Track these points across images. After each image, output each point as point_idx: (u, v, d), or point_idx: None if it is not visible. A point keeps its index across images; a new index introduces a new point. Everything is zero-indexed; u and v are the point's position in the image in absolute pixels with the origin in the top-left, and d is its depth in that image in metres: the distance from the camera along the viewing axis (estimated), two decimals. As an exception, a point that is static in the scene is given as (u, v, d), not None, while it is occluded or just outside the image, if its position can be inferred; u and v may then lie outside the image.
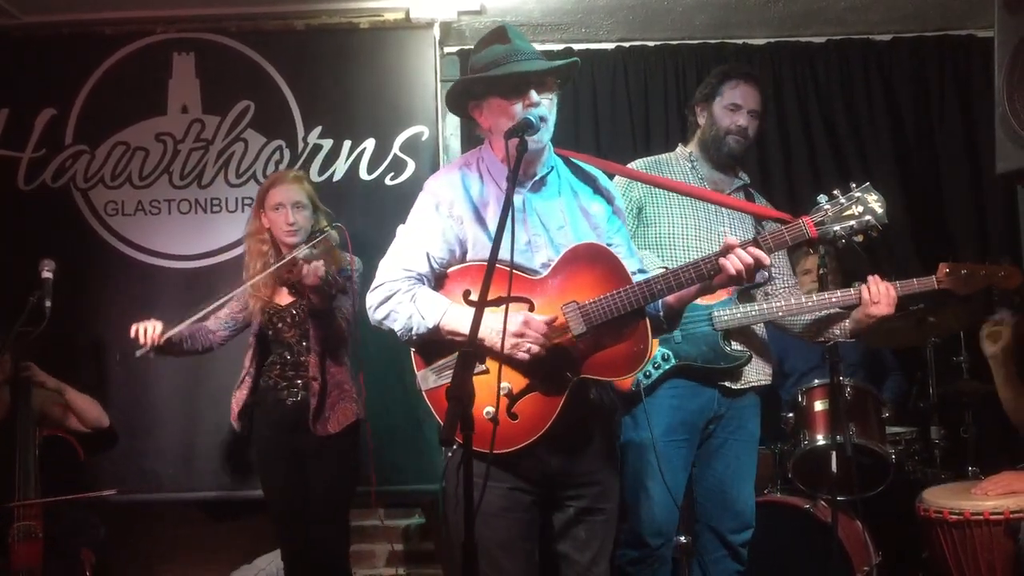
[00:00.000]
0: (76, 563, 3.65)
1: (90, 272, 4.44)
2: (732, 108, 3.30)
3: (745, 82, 3.34)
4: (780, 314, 3.21)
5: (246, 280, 3.67)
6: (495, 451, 2.20)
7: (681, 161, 3.39)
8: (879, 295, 3.03)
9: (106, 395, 4.22)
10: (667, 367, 3.13)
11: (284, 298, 3.67)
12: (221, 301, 3.67)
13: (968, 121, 4.99)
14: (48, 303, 3.65)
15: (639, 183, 3.26)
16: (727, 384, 3.22)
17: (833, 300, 3.16)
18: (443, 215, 2.53)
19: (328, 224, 3.66)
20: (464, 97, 2.60)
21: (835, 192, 2.52)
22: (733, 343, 3.19)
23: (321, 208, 3.76)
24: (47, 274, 3.68)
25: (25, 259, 3.88)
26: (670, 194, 3.26)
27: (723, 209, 3.30)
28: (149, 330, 3.45)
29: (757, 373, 3.28)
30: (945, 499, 3.47)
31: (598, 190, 2.71)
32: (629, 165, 3.35)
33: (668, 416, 3.12)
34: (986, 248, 4.96)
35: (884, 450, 3.91)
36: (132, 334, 3.45)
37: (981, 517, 3.31)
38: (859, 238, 2.52)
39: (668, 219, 3.24)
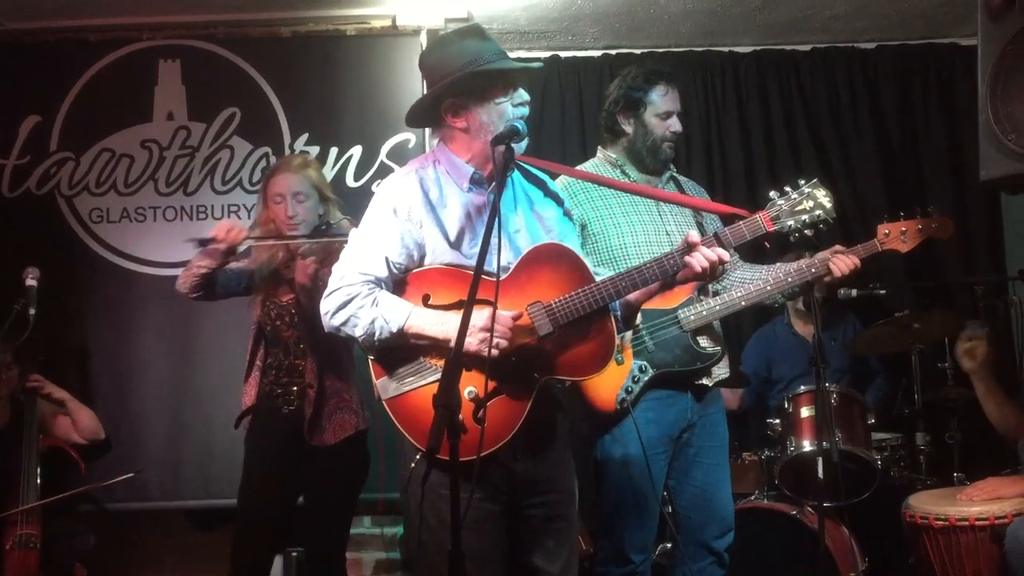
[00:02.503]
0: None
1: (75, 280, 4.42)
2: (665, 116, 3.25)
3: (672, 87, 3.29)
4: (743, 304, 3.18)
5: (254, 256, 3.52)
6: (463, 459, 2.10)
7: (608, 168, 3.30)
8: (848, 268, 3.08)
9: (91, 403, 4.18)
10: (646, 379, 3.09)
11: (286, 294, 3.48)
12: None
13: (952, 128, 5.03)
14: (33, 311, 3.61)
15: (580, 200, 3.17)
16: (704, 382, 3.20)
17: (790, 280, 3.15)
18: (401, 219, 2.48)
19: (338, 217, 3.48)
20: (445, 94, 2.52)
21: (786, 188, 2.60)
22: (701, 340, 3.16)
23: (331, 197, 3.56)
24: (31, 282, 3.66)
25: (9, 267, 3.85)
26: (611, 206, 3.18)
27: (664, 208, 3.24)
28: (235, 229, 3.35)
29: (720, 367, 3.25)
30: (931, 505, 3.48)
31: (548, 193, 2.71)
32: (558, 180, 3.17)
33: (645, 430, 3.05)
34: (970, 253, 4.99)
35: (870, 456, 3.92)
36: (215, 231, 3.33)
37: (967, 523, 3.33)
38: (810, 232, 2.59)
39: (616, 231, 3.16)
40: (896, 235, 3.12)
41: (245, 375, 3.54)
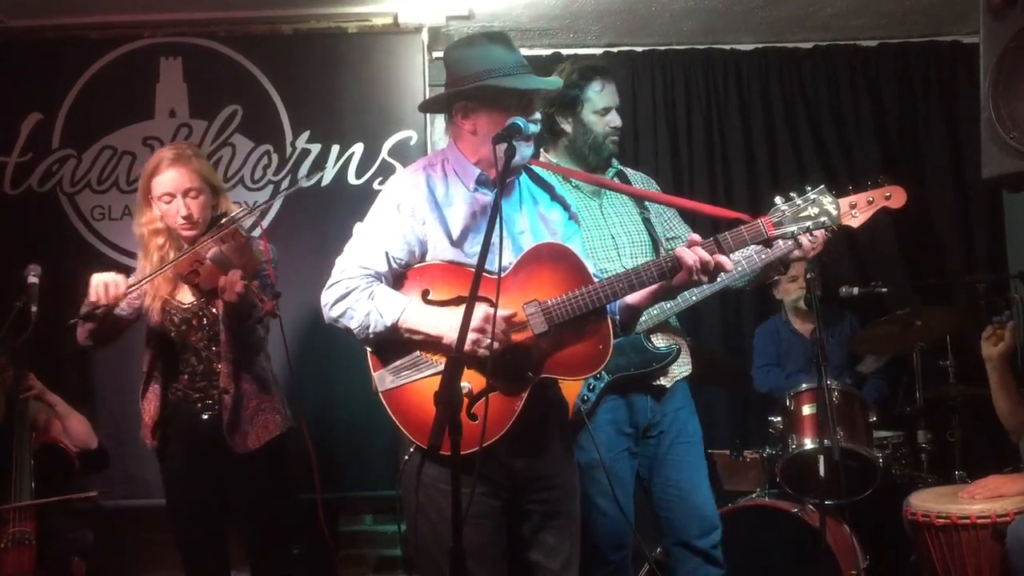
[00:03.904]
0: (67, 572, 3.61)
1: (77, 277, 4.39)
2: (603, 112, 3.20)
3: (608, 81, 3.24)
4: (694, 299, 3.15)
5: (145, 274, 3.19)
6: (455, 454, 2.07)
7: (551, 173, 3.18)
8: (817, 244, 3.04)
9: (92, 401, 4.20)
10: (602, 385, 3.07)
11: (188, 295, 3.20)
12: (142, 281, 3.15)
13: (953, 126, 5.03)
14: (34, 308, 3.59)
15: None
16: (661, 383, 3.17)
17: (739, 269, 3.10)
18: (405, 216, 2.49)
19: (233, 210, 3.23)
20: (458, 96, 2.54)
21: (791, 194, 2.55)
22: (654, 340, 3.14)
23: (221, 187, 3.31)
24: (33, 279, 3.63)
25: (11, 264, 3.85)
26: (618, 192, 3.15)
27: (608, 210, 3.22)
28: (111, 287, 3.00)
29: (680, 366, 3.23)
30: (932, 503, 3.48)
31: (555, 197, 2.72)
32: None
33: (606, 432, 3.06)
34: (971, 251, 4.99)
35: (871, 454, 3.92)
36: (94, 294, 3.01)
37: (968, 521, 3.33)
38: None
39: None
40: (846, 210, 2.84)
41: (141, 390, 3.29)
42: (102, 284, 3.03)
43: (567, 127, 3.23)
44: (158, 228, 3.20)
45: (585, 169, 3.23)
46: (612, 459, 3.06)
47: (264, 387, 3.26)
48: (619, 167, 3.33)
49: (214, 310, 3.16)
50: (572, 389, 2.99)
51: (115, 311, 3.14)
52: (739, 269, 3.10)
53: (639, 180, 3.37)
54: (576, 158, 3.24)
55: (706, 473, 3.28)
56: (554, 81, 2.55)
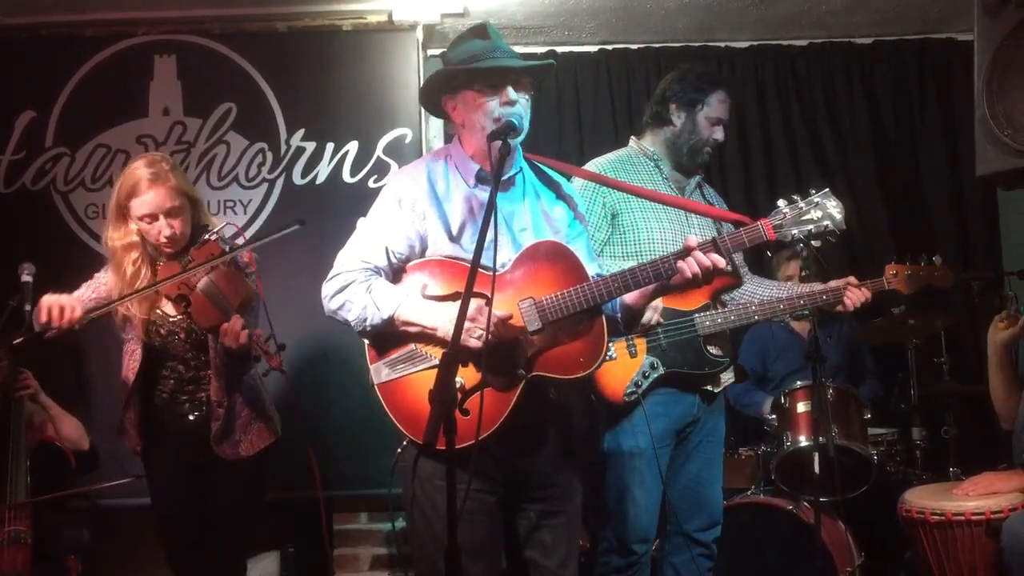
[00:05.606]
0: (63, 570, 3.61)
1: (70, 276, 4.37)
2: (716, 122, 3.31)
3: (729, 97, 3.36)
4: (756, 318, 3.28)
5: (115, 290, 3.15)
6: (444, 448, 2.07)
7: (643, 160, 3.35)
8: (860, 301, 3.24)
9: (87, 398, 4.18)
10: (656, 375, 3.15)
11: (171, 307, 3.19)
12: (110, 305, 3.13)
13: (948, 124, 5.03)
14: (28, 307, 3.58)
15: (611, 189, 3.19)
16: (709, 388, 3.26)
17: (801, 303, 3.28)
18: (405, 210, 2.53)
19: (216, 224, 3.16)
20: (439, 90, 2.60)
21: (794, 197, 2.56)
22: (711, 347, 3.22)
23: (199, 199, 3.27)
24: (27, 278, 3.63)
25: (4, 263, 3.84)
26: (643, 200, 3.21)
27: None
28: (67, 312, 2.98)
29: (728, 373, 3.34)
30: (927, 500, 3.49)
31: (561, 195, 2.73)
32: (587, 165, 3.28)
33: (654, 424, 3.13)
34: (967, 249, 4.99)
35: (866, 451, 3.93)
36: (45, 314, 2.98)
37: (962, 518, 3.34)
38: (817, 242, 2.59)
39: (644, 224, 3.21)
40: (903, 277, 3.31)
41: (125, 398, 3.26)
42: (57, 306, 2.99)
43: (677, 121, 3.32)
44: (132, 243, 3.16)
45: (675, 167, 3.35)
46: (657, 450, 3.14)
47: (255, 396, 3.27)
48: (701, 179, 3.45)
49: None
50: (623, 374, 3.13)
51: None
52: (800, 303, 3.29)
53: (712, 195, 3.52)
54: (672, 152, 3.35)
55: (721, 472, 3.38)
56: (519, 61, 2.54)
